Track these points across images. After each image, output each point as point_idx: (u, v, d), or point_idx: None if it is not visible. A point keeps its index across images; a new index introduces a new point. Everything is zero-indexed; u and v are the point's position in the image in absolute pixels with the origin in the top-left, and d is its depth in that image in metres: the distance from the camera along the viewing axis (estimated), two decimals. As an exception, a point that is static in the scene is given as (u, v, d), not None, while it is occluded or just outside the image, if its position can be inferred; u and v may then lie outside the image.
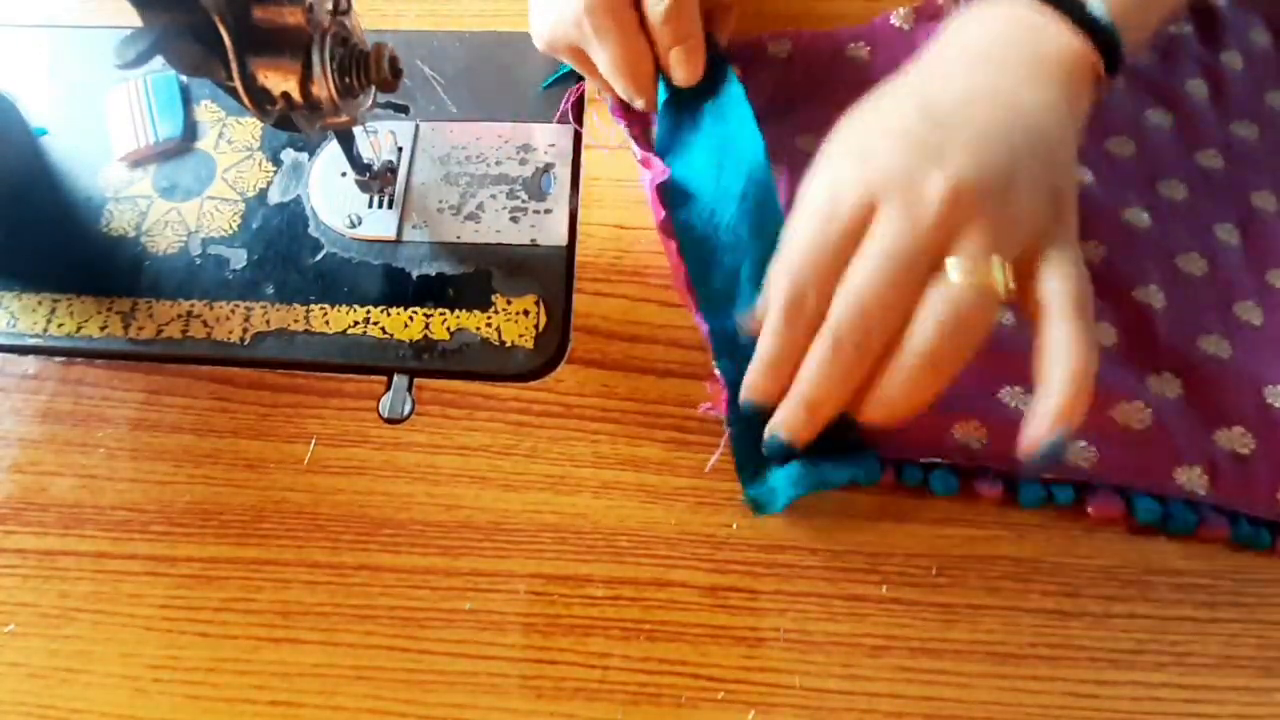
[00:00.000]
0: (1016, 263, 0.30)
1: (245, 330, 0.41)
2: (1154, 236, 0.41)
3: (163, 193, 0.44)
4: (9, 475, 0.38)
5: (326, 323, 0.41)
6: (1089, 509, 0.36)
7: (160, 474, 0.38)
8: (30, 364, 0.41)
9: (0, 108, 0.45)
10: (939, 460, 0.36)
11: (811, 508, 0.37)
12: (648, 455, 0.38)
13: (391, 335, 0.40)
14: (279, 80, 0.32)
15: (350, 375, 0.40)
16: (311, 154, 0.45)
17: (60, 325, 0.41)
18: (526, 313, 0.41)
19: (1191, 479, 0.36)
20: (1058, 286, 0.29)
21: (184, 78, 0.47)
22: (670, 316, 0.40)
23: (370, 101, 0.36)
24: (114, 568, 0.36)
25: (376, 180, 0.41)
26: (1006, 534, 0.36)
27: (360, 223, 0.43)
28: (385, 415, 0.39)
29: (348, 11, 0.34)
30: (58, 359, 0.41)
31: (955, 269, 0.29)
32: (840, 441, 0.35)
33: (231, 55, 0.31)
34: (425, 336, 0.40)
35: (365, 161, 0.40)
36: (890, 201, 0.30)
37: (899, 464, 0.36)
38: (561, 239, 0.42)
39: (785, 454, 0.34)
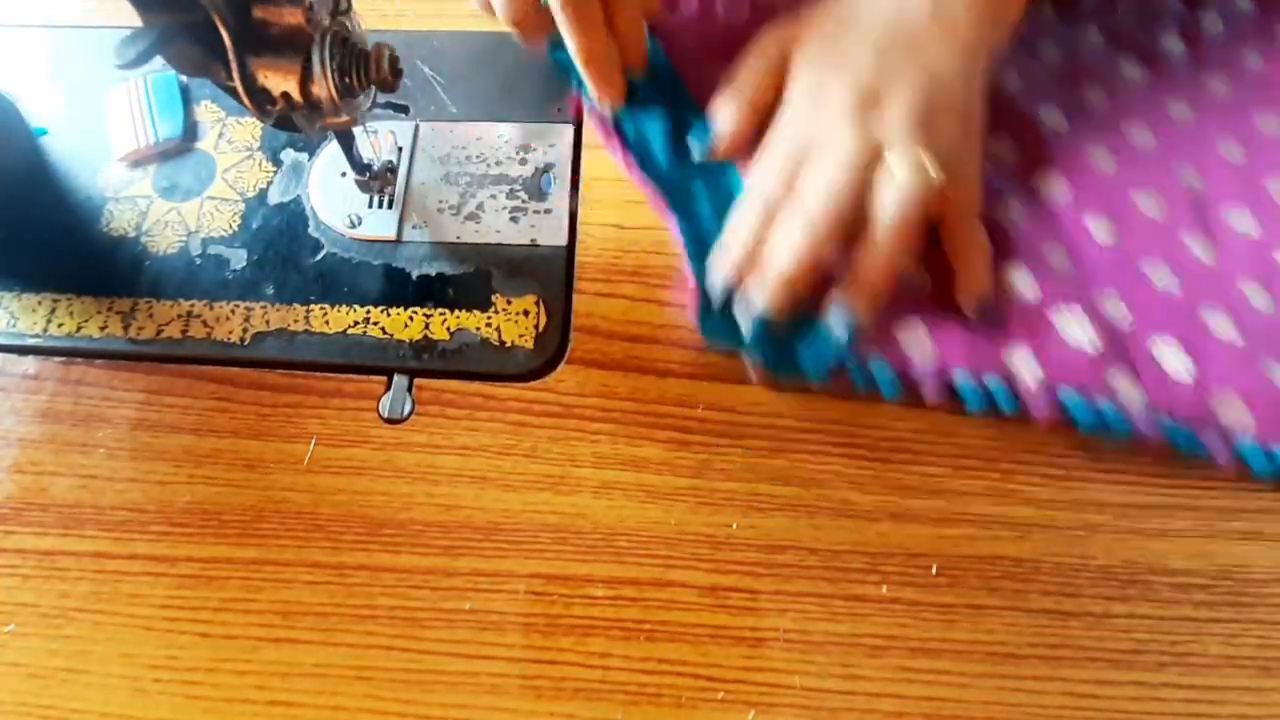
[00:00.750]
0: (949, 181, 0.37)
1: (245, 330, 0.41)
2: (1120, 179, 0.42)
3: (163, 193, 0.44)
4: (9, 475, 0.38)
5: (326, 323, 0.41)
6: (1031, 411, 0.37)
7: (160, 474, 0.38)
8: (30, 364, 0.41)
9: (0, 108, 0.45)
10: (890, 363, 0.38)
11: (811, 507, 0.37)
12: (648, 455, 0.38)
13: (391, 335, 0.40)
14: (279, 80, 0.32)
15: (350, 375, 0.40)
16: (311, 154, 0.45)
17: (60, 325, 0.41)
18: (526, 313, 0.41)
19: (1124, 387, 0.36)
20: (963, 195, 0.38)
21: (184, 78, 0.47)
22: (670, 316, 0.40)
23: (370, 102, 0.36)
24: (114, 568, 0.36)
25: (376, 180, 0.41)
26: (1007, 534, 0.36)
27: (360, 223, 0.43)
28: (385, 415, 0.39)
29: (348, 11, 0.34)
30: (58, 359, 0.41)
31: (896, 159, 0.37)
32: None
33: (231, 55, 0.31)
34: (425, 336, 0.40)
35: (365, 162, 0.40)
36: (844, 125, 0.38)
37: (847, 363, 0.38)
38: (561, 239, 0.42)
39: (762, 335, 0.38)
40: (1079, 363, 0.37)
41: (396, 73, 0.34)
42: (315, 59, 0.32)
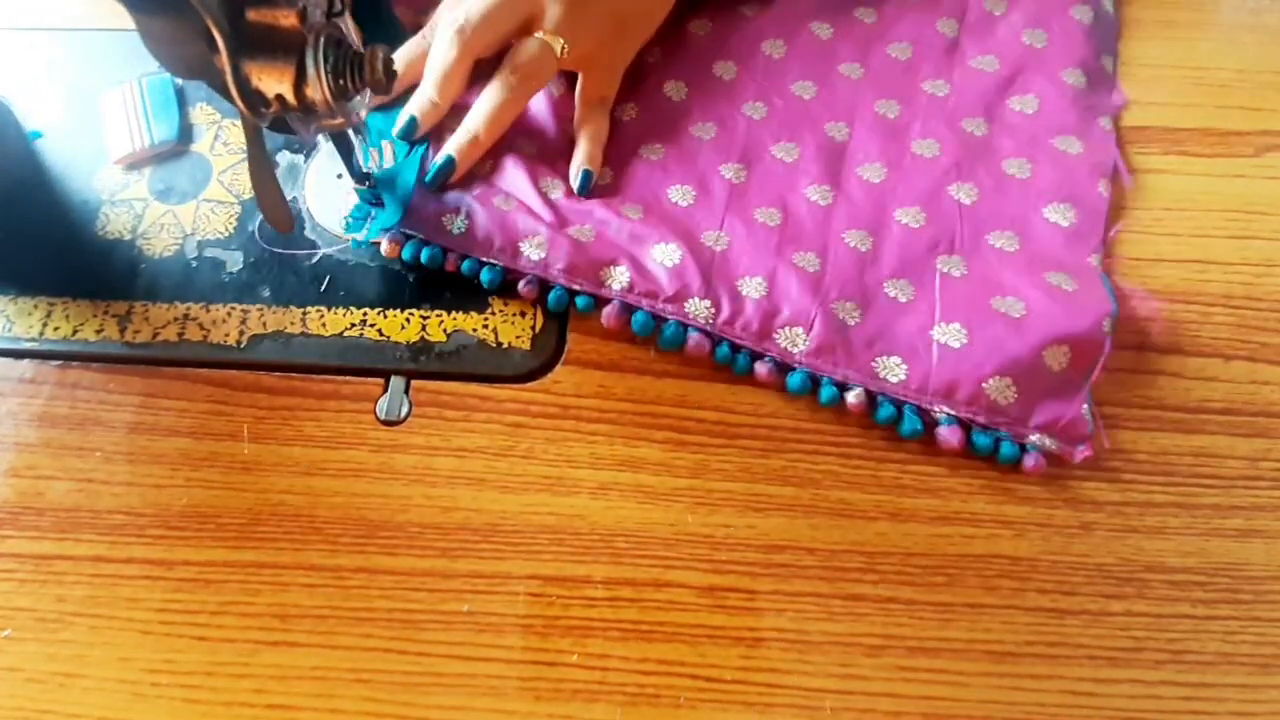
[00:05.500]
0: (580, 48, 0.42)
1: (242, 333, 0.41)
2: (763, 127, 0.45)
3: (158, 195, 0.44)
4: (5, 479, 0.38)
5: (323, 325, 0.41)
6: (757, 371, 0.39)
7: (157, 477, 0.38)
8: (26, 368, 0.40)
9: (-5, 111, 0.45)
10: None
11: (809, 507, 0.37)
12: (645, 456, 0.38)
13: (388, 337, 0.40)
14: (273, 83, 0.32)
15: (347, 377, 0.40)
16: (307, 156, 0.45)
17: (56, 329, 0.41)
18: (523, 314, 0.41)
19: (890, 368, 0.38)
20: (583, 86, 0.44)
21: (179, 80, 0.47)
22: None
23: (366, 107, 0.36)
24: (111, 572, 0.36)
25: (375, 189, 0.41)
26: (1004, 533, 0.36)
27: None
28: (382, 417, 0.39)
29: (341, 13, 0.34)
30: (54, 363, 0.41)
31: (538, 34, 0.41)
32: None
33: (225, 58, 0.31)
34: (422, 338, 0.40)
35: (364, 170, 0.40)
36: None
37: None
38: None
39: (448, 175, 0.42)
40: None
41: (390, 75, 0.34)
42: (309, 61, 0.32)
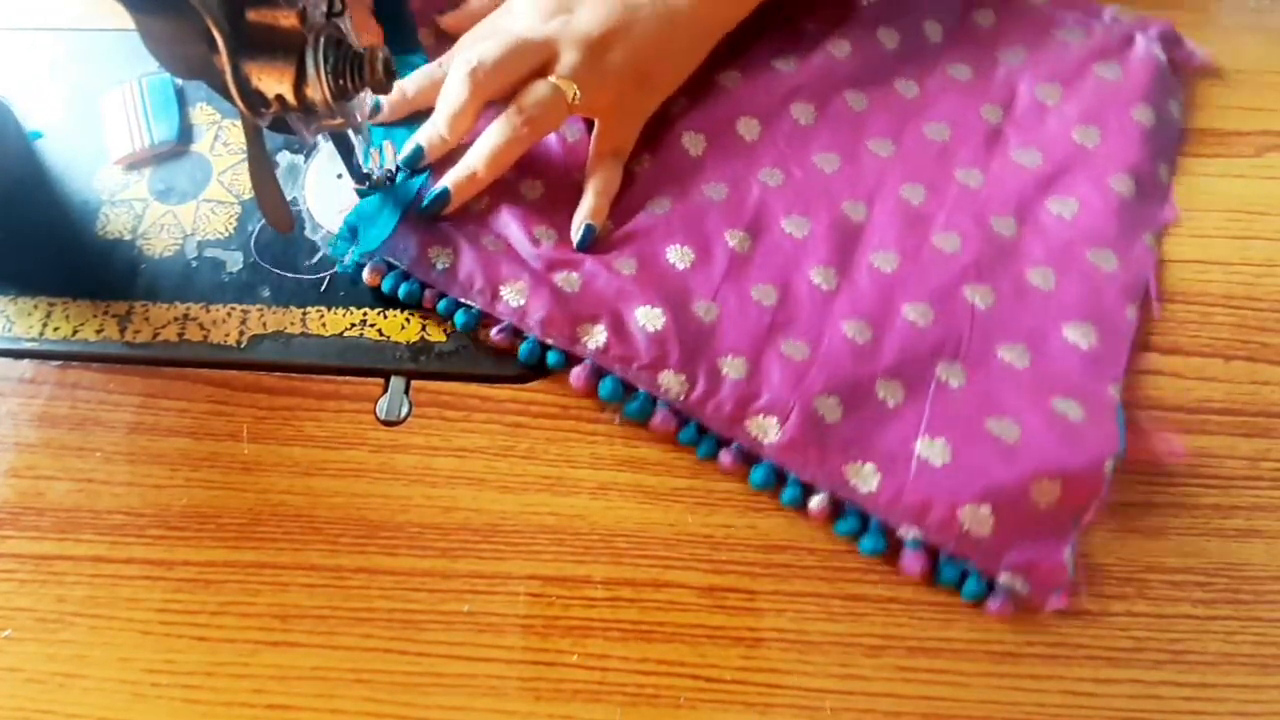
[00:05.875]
0: (595, 95, 0.41)
1: (242, 333, 0.41)
2: (774, 197, 0.43)
3: (158, 195, 0.44)
4: (5, 480, 0.38)
5: (323, 325, 0.41)
6: (720, 459, 0.37)
7: (157, 477, 0.38)
8: (26, 368, 0.40)
9: (-5, 111, 0.45)
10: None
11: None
12: (645, 456, 0.38)
13: (388, 337, 0.40)
14: (273, 83, 0.32)
15: (347, 378, 0.40)
16: (307, 156, 0.45)
17: (56, 329, 0.41)
18: (523, 314, 0.41)
19: (863, 477, 0.36)
20: (597, 135, 0.42)
21: (179, 80, 0.47)
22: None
23: (367, 108, 0.36)
24: (111, 572, 0.36)
25: (376, 189, 0.41)
26: (1004, 533, 0.36)
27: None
28: (382, 418, 0.39)
29: (341, 13, 0.34)
30: (54, 363, 0.41)
31: (550, 78, 0.40)
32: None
33: (225, 58, 0.31)
34: (422, 339, 0.40)
35: (365, 171, 0.40)
36: (532, 14, 0.42)
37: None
38: (558, 240, 0.42)
39: (441, 208, 0.41)
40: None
41: (390, 75, 0.34)
42: (309, 61, 0.32)
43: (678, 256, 0.40)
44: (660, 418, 0.37)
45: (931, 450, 0.36)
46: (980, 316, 0.39)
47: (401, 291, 0.40)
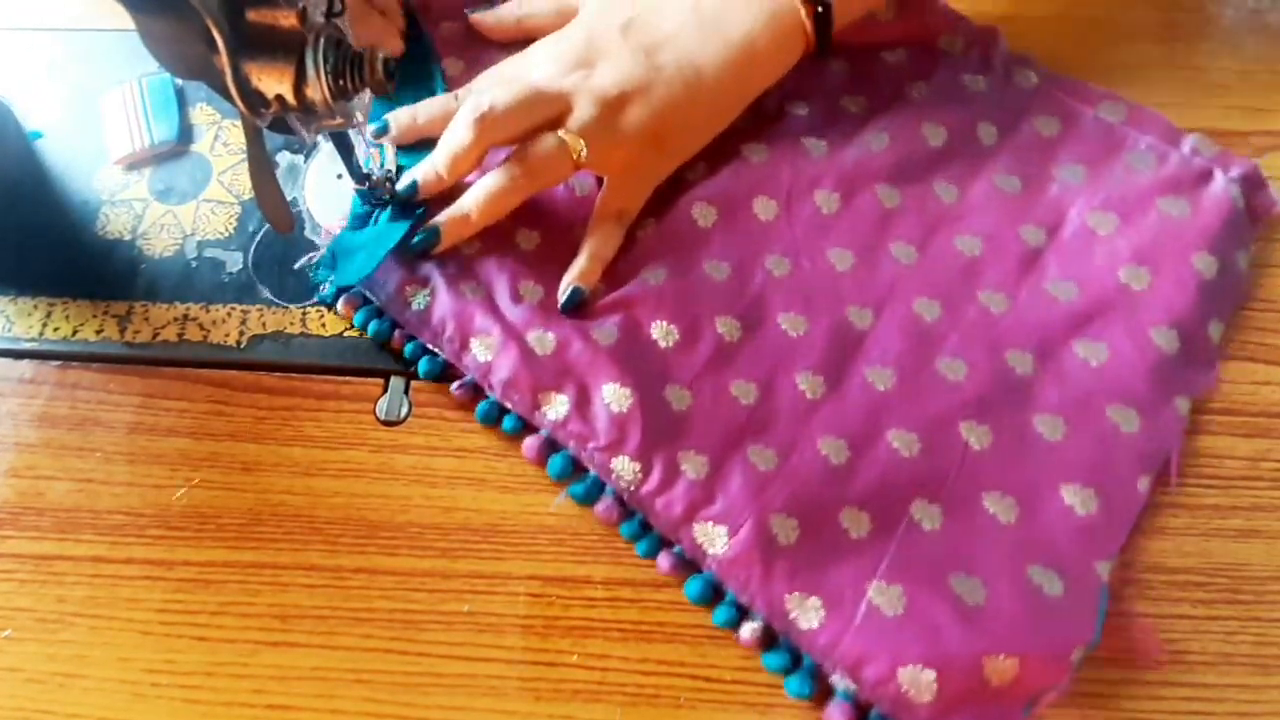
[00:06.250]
0: (605, 154, 0.40)
1: (241, 333, 0.41)
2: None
3: (158, 196, 0.44)
4: (5, 480, 0.38)
5: (323, 325, 0.41)
6: (659, 563, 0.35)
7: (157, 478, 0.38)
8: (26, 368, 0.40)
9: (-5, 111, 0.45)
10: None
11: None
12: (645, 456, 0.38)
13: (388, 337, 0.40)
14: (273, 83, 0.32)
15: (347, 378, 0.40)
16: (307, 156, 0.45)
17: (56, 329, 0.41)
18: (523, 314, 0.41)
19: (805, 610, 0.33)
20: (604, 194, 0.41)
21: (179, 80, 0.47)
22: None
23: (367, 107, 0.36)
24: (111, 572, 0.36)
25: (376, 190, 0.41)
26: (1004, 533, 0.36)
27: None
28: (382, 418, 0.39)
29: (341, 13, 0.34)
30: (53, 363, 0.41)
31: (560, 131, 0.39)
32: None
33: (225, 58, 0.31)
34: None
35: (365, 171, 0.40)
36: (550, 65, 0.41)
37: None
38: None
39: (431, 247, 0.39)
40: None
41: (390, 75, 0.34)
42: (309, 61, 0.32)
43: (661, 333, 0.38)
44: (604, 506, 0.35)
45: (885, 597, 0.33)
46: (972, 457, 0.36)
47: (371, 329, 0.39)
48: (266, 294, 0.41)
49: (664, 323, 0.38)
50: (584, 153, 0.39)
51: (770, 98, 0.43)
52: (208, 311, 0.41)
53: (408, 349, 0.39)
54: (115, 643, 0.35)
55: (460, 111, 0.39)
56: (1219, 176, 0.41)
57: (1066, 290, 0.39)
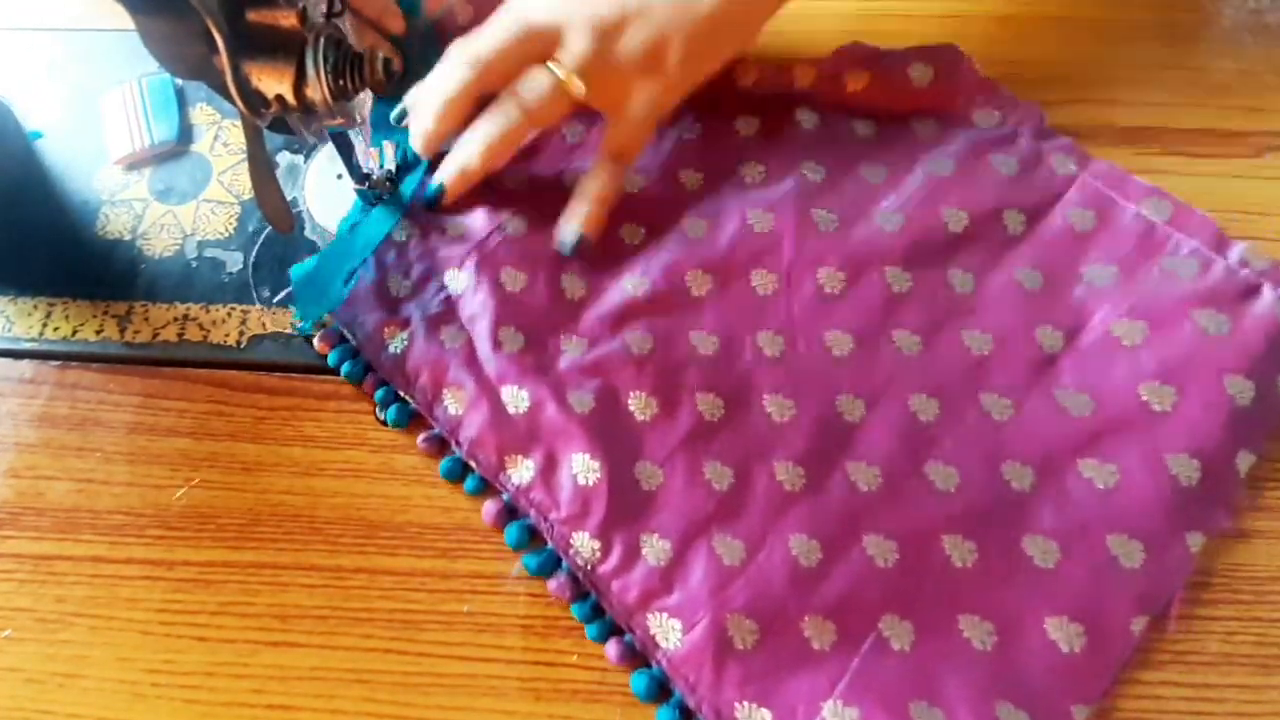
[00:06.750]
0: (604, 86, 0.37)
1: (242, 333, 0.41)
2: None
3: (158, 195, 0.44)
4: (5, 480, 0.38)
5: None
6: (608, 650, 0.33)
7: (157, 478, 0.38)
8: (26, 368, 0.40)
9: (-5, 111, 0.45)
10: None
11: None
12: (645, 456, 0.38)
13: (388, 337, 0.40)
14: (273, 83, 0.32)
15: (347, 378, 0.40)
16: (307, 156, 0.45)
17: (56, 329, 0.41)
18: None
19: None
20: (605, 134, 0.39)
21: (179, 81, 0.47)
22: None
23: (367, 107, 0.36)
24: (110, 572, 0.36)
25: (376, 189, 0.41)
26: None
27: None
28: (382, 418, 0.39)
29: (341, 13, 0.34)
30: (53, 363, 0.41)
31: (550, 64, 0.37)
32: None
33: (225, 58, 0.31)
34: (422, 338, 0.40)
35: (365, 171, 0.40)
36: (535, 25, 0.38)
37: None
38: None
39: (437, 204, 0.39)
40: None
41: (390, 75, 0.34)
42: (309, 61, 0.32)
43: (639, 405, 0.36)
44: (558, 583, 0.34)
45: (838, 719, 0.31)
46: (953, 575, 0.33)
47: (343, 370, 0.38)
48: (266, 294, 0.41)
49: (643, 394, 0.36)
50: (581, 89, 0.37)
51: (784, 156, 0.41)
52: (208, 311, 0.41)
53: (378, 394, 0.38)
54: (115, 643, 0.35)
55: (448, 53, 0.38)
56: (1268, 292, 0.37)
57: (1079, 402, 0.36)
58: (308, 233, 0.43)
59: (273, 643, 0.35)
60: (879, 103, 0.43)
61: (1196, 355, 0.36)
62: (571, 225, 0.38)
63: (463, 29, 0.43)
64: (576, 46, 0.37)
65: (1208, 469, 0.34)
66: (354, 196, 0.42)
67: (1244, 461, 0.35)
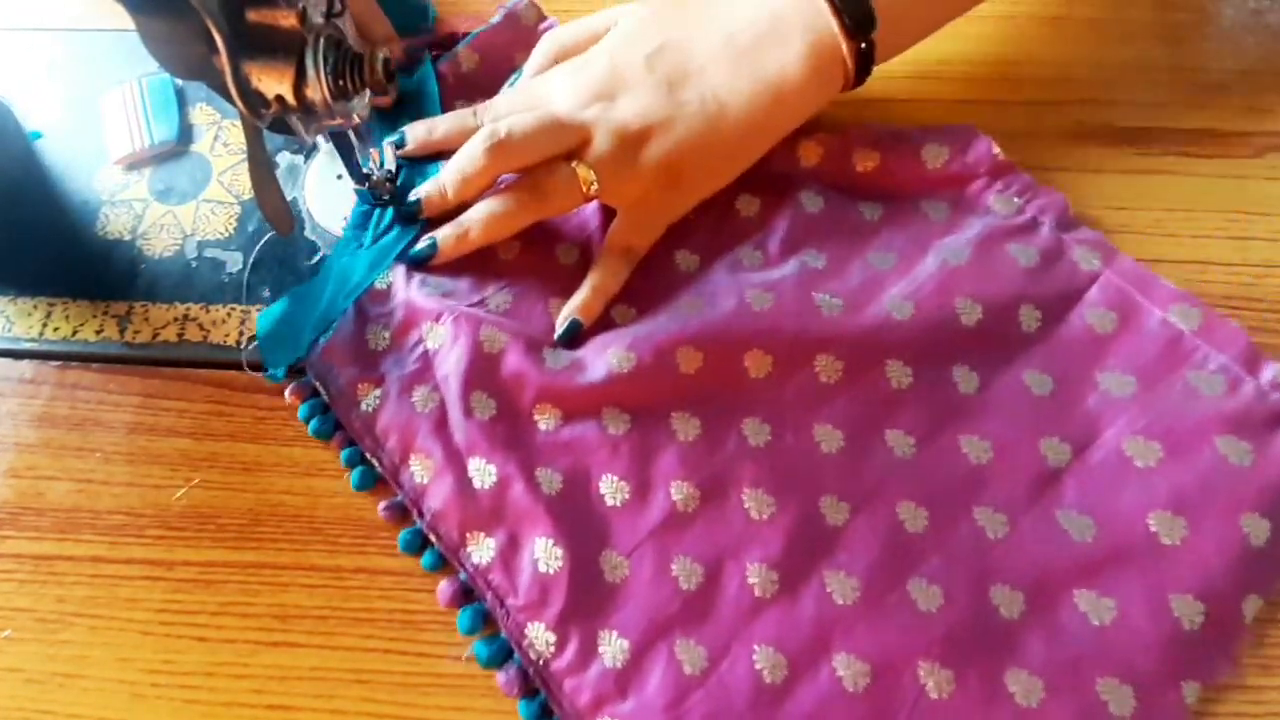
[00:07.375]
0: (619, 187, 0.39)
1: (241, 333, 0.41)
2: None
3: (158, 196, 0.44)
4: (5, 480, 0.38)
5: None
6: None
7: (157, 478, 0.38)
8: (26, 368, 0.40)
9: (-5, 112, 0.45)
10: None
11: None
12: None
13: (388, 337, 0.40)
14: (273, 83, 0.32)
15: (347, 378, 0.40)
16: (307, 157, 0.45)
17: (56, 329, 0.41)
18: (523, 314, 0.41)
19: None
20: (614, 227, 0.40)
21: (179, 81, 0.47)
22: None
23: (368, 108, 0.36)
24: (110, 572, 0.36)
25: (376, 190, 0.41)
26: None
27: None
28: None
29: (341, 14, 0.34)
30: (53, 363, 0.41)
31: (574, 163, 0.38)
32: None
33: (225, 58, 0.31)
34: (422, 339, 0.40)
35: (365, 171, 0.40)
36: (571, 96, 0.40)
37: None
38: (558, 240, 0.42)
39: (427, 260, 0.39)
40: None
41: (390, 75, 0.34)
42: (309, 62, 0.32)
43: (611, 490, 0.34)
44: (506, 678, 0.32)
45: None
46: (926, 706, 0.31)
47: (311, 427, 0.37)
48: (266, 294, 0.41)
49: (615, 478, 0.34)
50: (595, 185, 0.38)
51: (785, 241, 0.40)
52: (208, 311, 0.41)
53: (345, 454, 0.37)
54: (115, 643, 0.35)
55: (477, 134, 0.38)
56: None
57: (1081, 526, 0.33)
58: (308, 233, 0.43)
59: (273, 643, 0.35)
60: (889, 185, 0.41)
61: (1214, 486, 0.33)
62: (569, 311, 0.39)
63: (466, 77, 0.44)
64: (599, 147, 0.38)
65: (1212, 613, 0.32)
66: (354, 197, 0.42)
67: (1251, 606, 0.32)
